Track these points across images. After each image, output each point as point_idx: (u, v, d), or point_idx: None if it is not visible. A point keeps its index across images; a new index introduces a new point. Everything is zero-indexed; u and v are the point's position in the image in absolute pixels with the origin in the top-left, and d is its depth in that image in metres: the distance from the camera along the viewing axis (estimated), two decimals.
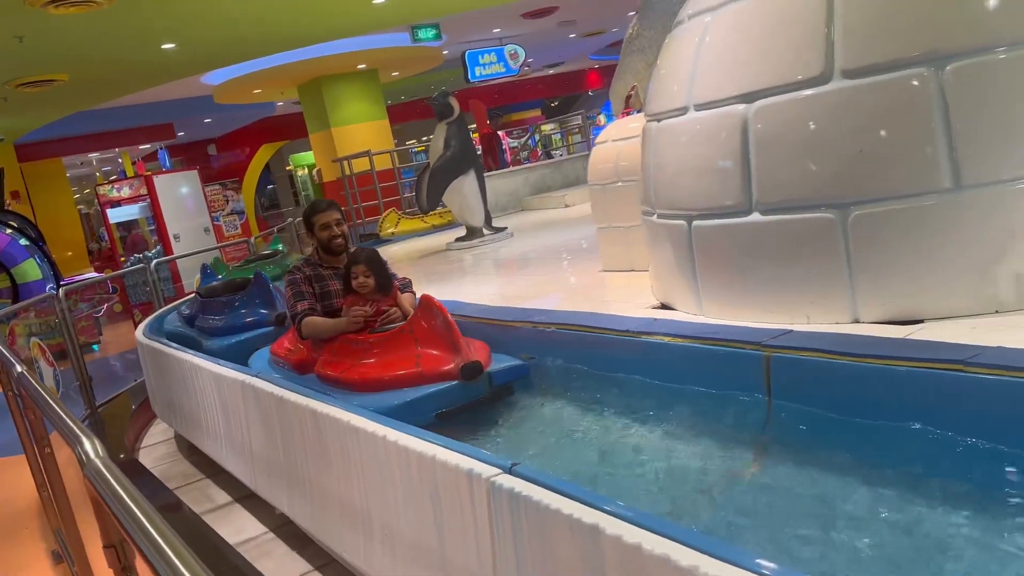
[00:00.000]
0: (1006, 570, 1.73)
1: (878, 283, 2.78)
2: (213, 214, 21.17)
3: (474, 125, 24.69)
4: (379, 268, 3.81)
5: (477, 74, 17.35)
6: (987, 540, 1.82)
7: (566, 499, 1.71)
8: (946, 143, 2.62)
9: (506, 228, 8.45)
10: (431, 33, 13.91)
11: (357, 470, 2.67)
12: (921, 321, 2.71)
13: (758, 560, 1.31)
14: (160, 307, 7.24)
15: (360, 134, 15.39)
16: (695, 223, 3.30)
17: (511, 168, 13.17)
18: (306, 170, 19.71)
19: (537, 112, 28.13)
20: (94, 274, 15.93)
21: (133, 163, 17.79)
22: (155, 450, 5.85)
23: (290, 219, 14.41)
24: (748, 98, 3.02)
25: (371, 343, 3.57)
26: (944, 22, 2.65)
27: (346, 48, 14.06)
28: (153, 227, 15.53)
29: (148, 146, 22.76)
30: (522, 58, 17.95)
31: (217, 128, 23.32)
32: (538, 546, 1.79)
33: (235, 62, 13.00)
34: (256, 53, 12.43)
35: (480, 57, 17.24)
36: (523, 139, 22.51)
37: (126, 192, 15.28)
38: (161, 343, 5.19)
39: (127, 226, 15.98)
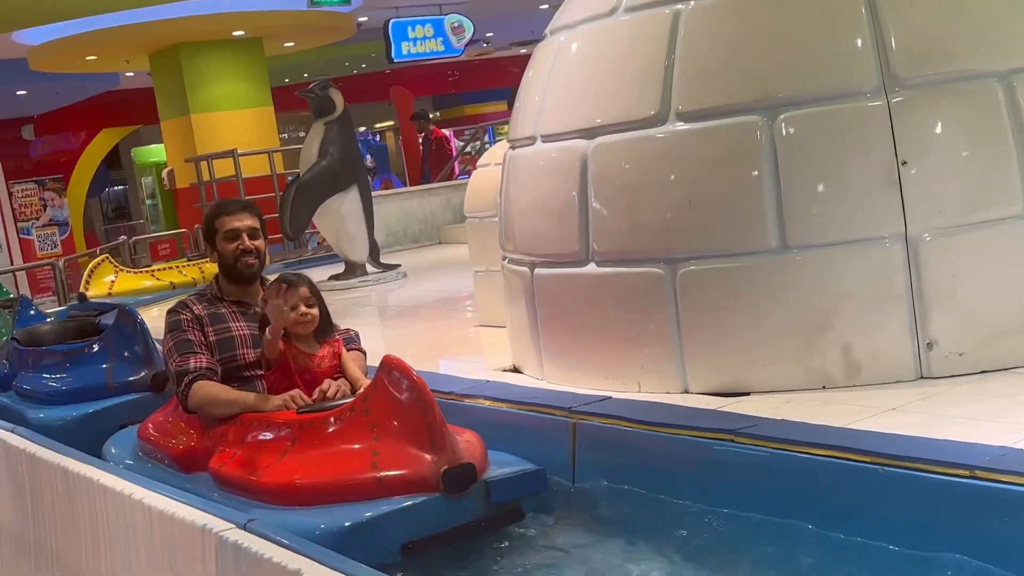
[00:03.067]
0: None
1: (707, 349, 3.70)
2: (22, 224, 21.89)
3: (391, 122, 25.75)
4: (321, 299, 3.82)
5: (404, 52, 18.35)
6: None
7: (292, 554, 2.52)
8: (774, 198, 3.55)
9: (399, 266, 9.36)
10: None
11: (104, 537, 3.47)
12: (747, 393, 3.61)
13: None
14: None
15: (232, 124, 16.30)
16: (536, 271, 4.22)
17: (429, 185, 14.06)
18: (153, 171, 20.49)
19: (503, 105, 29.08)
20: None
21: None
22: None
23: (122, 237, 15.22)
24: (589, 133, 3.97)
25: (302, 428, 3.36)
26: (781, 69, 3.62)
27: (218, 8, 15.07)
28: None
29: None
30: (468, 34, 18.96)
31: (35, 104, 24.07)
32: None
33: (54, 20, 13.84)
34: (83, 10, 13.29)
35: (410, 29, 18.22)
36: (472, 143, 23.36)
37: None
38: None
39: None
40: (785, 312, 3.60)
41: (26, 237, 21.07)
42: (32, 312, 7.20)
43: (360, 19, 18.18)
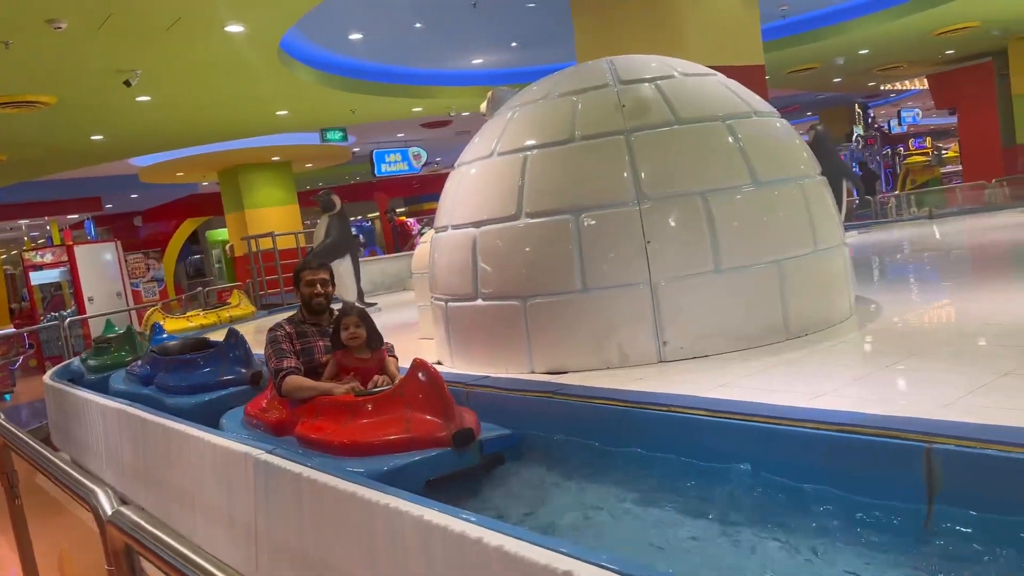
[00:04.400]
0: None
1: (543, 348, 4.08)
2: (133, 280, 21.66)
3: (376, 214, 25.96)
4: (370, 322, 3.71)
5: (383, 170, 18.79)
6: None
7: (298, 465, 2.87)
8: (579, 262, 3.98)
9: (376, 304, 9.63)
10: (338, 135, 15.30)
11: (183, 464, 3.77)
12: (566, 372, 4.02)
13: None
14: (69, 358, 8.05)
15: (271, 216, 16.46)
16: (449, 304, 4.60)
17: (399, 253, 14.39)
18: (220, 246, 20.78)
19: None
20: (11, 330, 16.24)
21: (60, 231, 18.34)
22: None
23: (199, 288, 15.23)
24: (477, 224, 4.35)
25: (358, 405, 3.32)
26: (582, 190, 4.04)
27: (262, 143, 15.31)
28: (72, 290, 16.07)
29: (76, 216, 23.16)
30: (424, 159, 19.46)
31: (143, 202, 23.92)
32: None
33: (156, 151, 14.02)
34: (174, 145, 13.51)
35: (387, 156, 18.72)
36: (425, 227, 23.88)
37: (49, 258, 15.87)
38: (64, 384, 6.10)
39: (52, 287, 16.49)
40: (586, 325, 3.96)
41: (135, 289, 20.96)
42: (161, 334, 6.93)
43: (354, 150, 18.50)
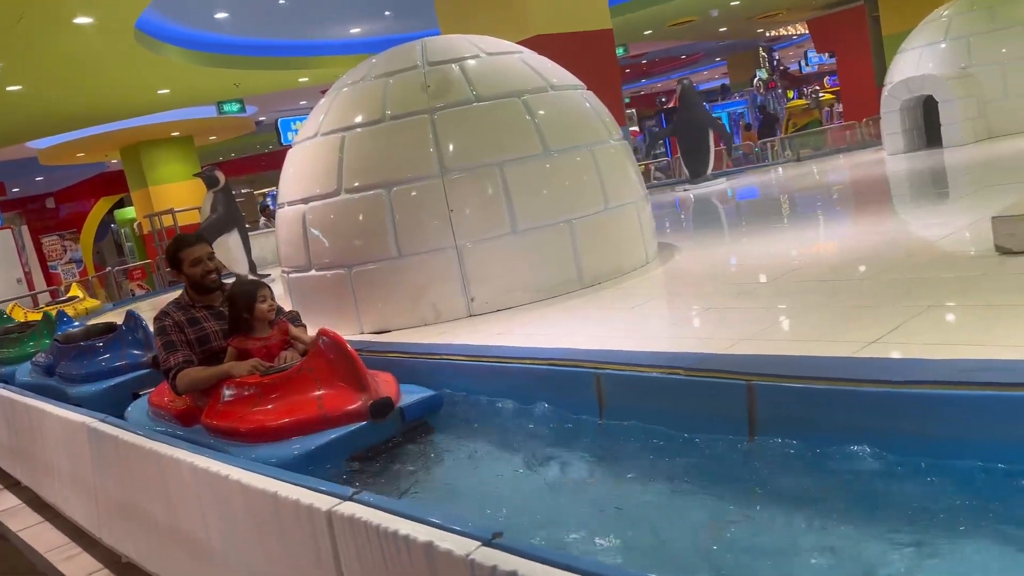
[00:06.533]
0: None
1: (369, 309, 4.51)
2: (51, 263, 21.31)
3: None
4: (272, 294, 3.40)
5: (290, 138, 18.67)
6: None
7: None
8: (393, 231, 4.40)
9: (270, 275, 9.90)
10: (235, 107, 15.24)
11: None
12: (389, 331, 4.47)
13: None
14: None
15: (177, 191, 16.31)
16: (290, 275, 4.99)
17: None
18: (129, 224, 20.58)
19: None
20: None
21: None
22: None
23: (108, 268, 15.18)
24: (305, 201, 4.73)
25: (265, 386, 3.03)
26: (392, 166, 4.44)
27: (159, 119, 15.15)
28: None
29: None
30: None
31: (51, 184, 23.33)
32: None
33: (47, 136, 13.82)
34: (65, 128, 13.35)
35: (292, 124, 18.59)
36: None
37: None
38: None
39: None
40: (403, 288, 4.37)
41: (54, 272, 20.64)
42: (66, 319, 6.61)
43: (260, 119, 18.40)
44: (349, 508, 1.98)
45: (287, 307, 3.85)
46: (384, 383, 3.04)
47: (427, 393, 3.10)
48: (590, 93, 5.19)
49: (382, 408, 2.84)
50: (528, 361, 3.00)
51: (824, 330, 2.65)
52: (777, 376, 2.19)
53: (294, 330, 3.40)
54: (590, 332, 3.44)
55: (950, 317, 2.50)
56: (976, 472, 1.80)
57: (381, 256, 4.43)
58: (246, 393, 3.06)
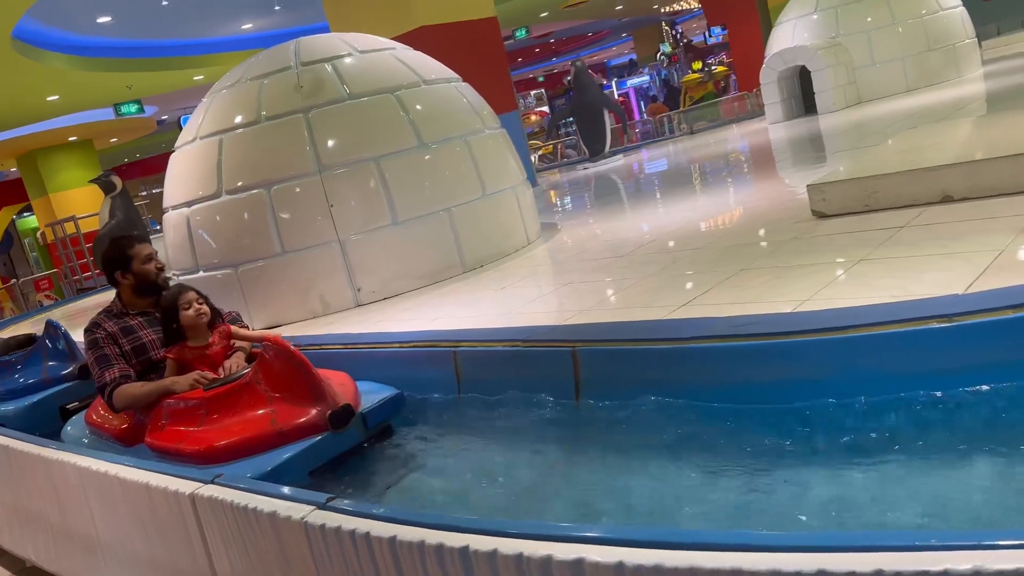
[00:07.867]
0: None
1: (260, 306, 4.63)
2: None
3: None
4: (205, 295, 3.15)
5: None
6: None
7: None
8: (275, 229, 4.54)
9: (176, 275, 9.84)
10: (133, 108, 14.88)
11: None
12: (280, 326, 4.62)
13: None
14: None
15: (79, 198, 15.88)
16: (179, 277, 5.07)
17: None
18: (32, 234, 19.84)
19: None
20: None
21: None
22: None
23: (13, 280, 14.71)
24: (189, 204, 4.81)
25: (210, 402, 2.77)
26: (271, 165, 4.56)
27: (54, 125, 14.69)
28: None
29: None
30: None
31: None
32: None
33: None
34: None
35: None
36: None
37: None
38: None
39: None
40: (290, 283, 4.50)
41: None
42: None
43: (162, 118, 17.98)
44: (209, 490, 2.18)
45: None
46: (340, 387, 2.77)
47: (388, 393, 2.88)
48: (466, 85, 5.40)
49: (342, 417, 2.62)
50: (396, 345, 3.22)
51: (649, 297, 2.95)
52: (594, 341, 2.47)
53: (238, 331, 3.18)
54: (461, 314, 3.67)
55: (752, 279, 2.83)
56: (752, 412, 2.11)
57: (266, 254, 4.56)
58: (190, 409, 2.81)
